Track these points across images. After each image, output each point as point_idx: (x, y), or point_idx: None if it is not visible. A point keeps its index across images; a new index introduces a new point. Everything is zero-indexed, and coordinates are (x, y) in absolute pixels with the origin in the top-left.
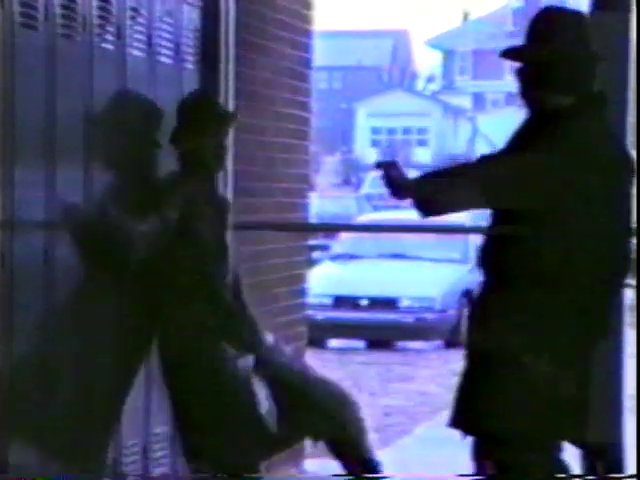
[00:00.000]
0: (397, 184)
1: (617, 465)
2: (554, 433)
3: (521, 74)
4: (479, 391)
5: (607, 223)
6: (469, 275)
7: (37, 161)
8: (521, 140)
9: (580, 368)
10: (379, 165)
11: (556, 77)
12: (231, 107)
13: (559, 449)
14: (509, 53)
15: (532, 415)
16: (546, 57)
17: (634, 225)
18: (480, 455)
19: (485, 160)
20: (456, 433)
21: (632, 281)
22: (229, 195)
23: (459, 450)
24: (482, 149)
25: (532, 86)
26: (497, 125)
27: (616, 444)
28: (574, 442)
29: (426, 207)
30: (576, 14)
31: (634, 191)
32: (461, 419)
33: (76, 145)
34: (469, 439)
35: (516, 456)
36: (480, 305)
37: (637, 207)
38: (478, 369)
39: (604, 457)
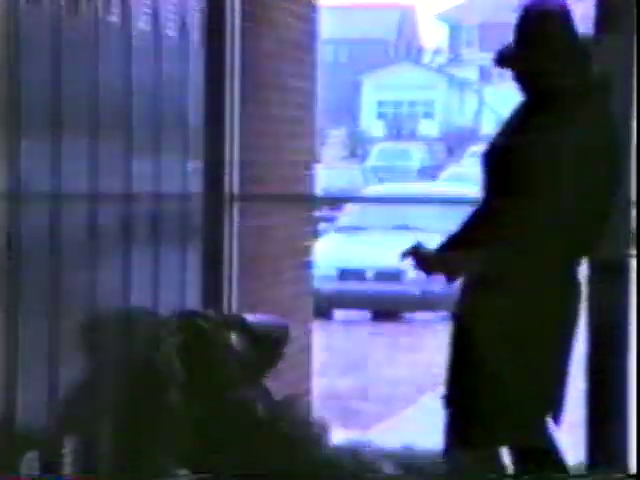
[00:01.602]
0: (427, 265)
1: None
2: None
3: (511, 60)
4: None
5: (595, 205)
6: None
7: (43, 134)
8: (516, 124)
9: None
10: (405, 254)
11: (549, 63)
12: (236, 80)
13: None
14: (501, 62)
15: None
16: (537, 59)
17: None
18: (451, 429)
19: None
20: None
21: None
22: (235, 168)
23: None
24: (488, 121)
25: (524, 73)
26: (503, 97)
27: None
28: (553, 417)
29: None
30: (558, 5)
31: (629, 177)
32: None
33: (82, 118)
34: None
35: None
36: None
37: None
38: (459, 342)
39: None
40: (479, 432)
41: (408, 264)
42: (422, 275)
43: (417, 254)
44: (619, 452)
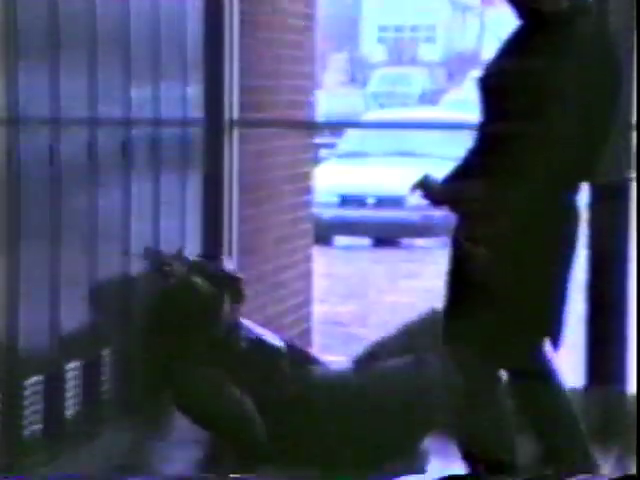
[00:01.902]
0: (436, 197)
1: None
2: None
3: None
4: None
5: (591, 129)
6: None
7: (41, 57)
8: (512, 47)
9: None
10: (414, 187)
11: None
12: (235, 4)
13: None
14: None
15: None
16: None
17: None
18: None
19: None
20: None
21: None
22: (234, 93)
23: None
24: (490, 45)
25: None
26: (505, 21)
27: None
28: (552, 341)
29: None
30: None
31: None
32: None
33: (80, 43)
34: None
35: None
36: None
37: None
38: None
39: None
40: (478, 354)
41: (417, 196)
42: (430, 205)
43: (426, 186)
44: (618, 374)
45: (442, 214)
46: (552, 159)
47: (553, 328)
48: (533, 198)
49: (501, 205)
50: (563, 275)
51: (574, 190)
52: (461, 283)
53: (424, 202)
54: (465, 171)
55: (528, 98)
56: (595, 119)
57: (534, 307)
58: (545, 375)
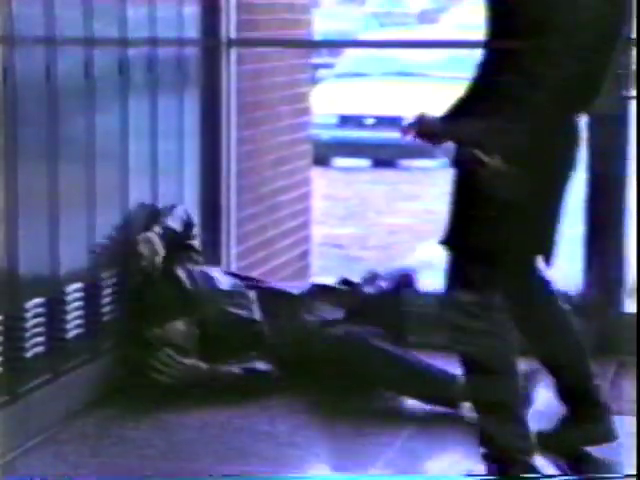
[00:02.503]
0: (433, 136)
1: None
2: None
3: None
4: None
5: (602, 43)
6: None
7: None
8: None
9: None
10: (409, 127)
11: None
12: None
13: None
14: None
15: (505, 226)
16: None
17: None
18: (451, 271)
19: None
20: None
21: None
22: (231, 12)
23: None
24: None
25: None
26: None
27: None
28: (545, 258)
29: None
30: None
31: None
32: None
33: None
34: None
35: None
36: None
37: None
38: (461, 182)
39: None
40: (479, 272)
41: (411, 137)
42: (428, 144)
43: (422, 125)
44: (615, 289)
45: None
46: (564, 74)
47: (548, 246)
48: (538, 115)
49: (507, 122)
50: (561, 195)
51: (581, 108)
52: (466, 193)
53: (420, 141)
54: (466, 103)
55: (538, 11)
56: (606, 32)
57: (533, 224)
58: (543, 292)
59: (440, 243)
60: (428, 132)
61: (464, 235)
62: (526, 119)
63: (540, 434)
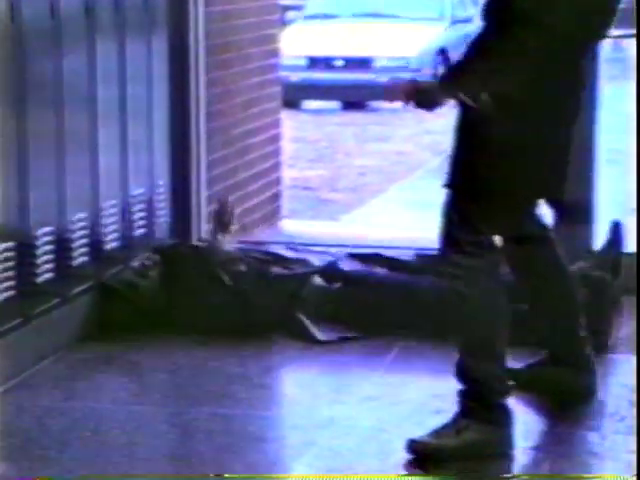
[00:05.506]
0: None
1: (585, 216)
2: (531, 190)
3: None
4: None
5: None
6: (445, 34)
7: None
8: None
9: (554, 127)
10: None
11: None
12: None
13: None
14: None
15: (505, 169)
16: None
17: None
18: (448, 208)
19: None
20: (431, 195)
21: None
22: None
23: (431, 211)
24: None
25: None
26: None
27: (588, 198)
28: (550, 199)
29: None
30: None
31: None
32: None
33: None
34: None
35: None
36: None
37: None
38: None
39: (575, 212)
40: (478, 212)
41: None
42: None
43: (418, 92)
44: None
45: (411, 77)
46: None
47: (553, 189)
48: (547, 54)
49: (514, 62)
50: (568, 138)
51: (590, 46)
52: (466, 140)
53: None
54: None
55: None
56: None
57: (538, 164)
58: (542, 239)
59: (443, 186)
60: (426, 100)
61: (465, 176)
62: (529, 62)
63: (512, 370)
